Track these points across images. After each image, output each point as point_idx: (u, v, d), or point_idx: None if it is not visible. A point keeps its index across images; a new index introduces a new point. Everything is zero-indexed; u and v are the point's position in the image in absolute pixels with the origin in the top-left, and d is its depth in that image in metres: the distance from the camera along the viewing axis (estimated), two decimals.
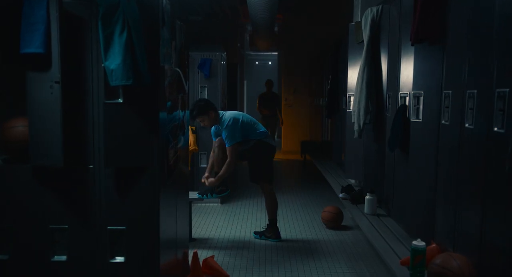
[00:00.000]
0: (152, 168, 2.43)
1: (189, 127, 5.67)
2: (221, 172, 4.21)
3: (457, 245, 2.50)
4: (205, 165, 5.90)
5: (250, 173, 4.44)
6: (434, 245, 2.67)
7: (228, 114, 4.22)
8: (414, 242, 2.49)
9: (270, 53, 15.53)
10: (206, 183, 4.32)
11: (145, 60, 2.31)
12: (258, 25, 11.85)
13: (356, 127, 4.22)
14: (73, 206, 2.41)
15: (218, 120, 4.22)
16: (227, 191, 4.38)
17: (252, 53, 16.01)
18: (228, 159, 4.17)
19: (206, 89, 5.81)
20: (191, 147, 5.71)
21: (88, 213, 2.41)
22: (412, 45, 2.89)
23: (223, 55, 6.10)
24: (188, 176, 3.86)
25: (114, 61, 2.26)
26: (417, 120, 3.02)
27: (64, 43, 2.25)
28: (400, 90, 3.41)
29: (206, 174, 4.36)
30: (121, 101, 2.34)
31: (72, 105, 2.34)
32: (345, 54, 6.00)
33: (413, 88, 3.05)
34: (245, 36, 14.31)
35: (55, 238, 2.40)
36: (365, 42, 4.14)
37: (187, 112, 3.39)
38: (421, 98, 2.95)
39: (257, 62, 18.04)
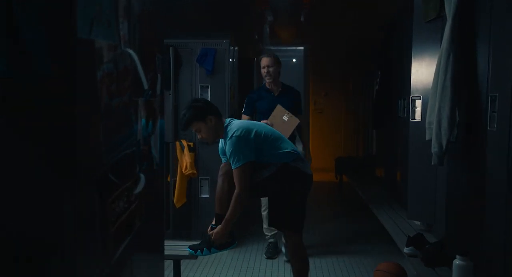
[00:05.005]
0: (64, 251, 1.31)
1: (185, 143, 4.67)
2: (228, 212, 3.11)
3: None
4: (207, 196, 4.84)
5: (269, 212, 3.32)
6: None
7: (237, 122, 3.19)
8: None
9: (294, 47, 14.43)
10: (212, 236, 3.19)
11: (35, 22, 1.19)
12: (280, 11, 10.81)
13: (435, 147, 3.04)
14: None
15: (221, 131, 3.16)
16: (232, 244, 3.25)
17: (272, 48, 14.93)
18: (236, 191, 3.06)
19: (209, 90, 4.85)
20: (188, 171, 4.68)
21: None
22: None
23: (234, 48, 5.07)
24: (163, 227, 2.69)
25: None
26: None
27: None
28: None
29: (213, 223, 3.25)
30: None
31: None
32: (401, 40, 4.95)
33: None
34: (265, 27, 13.25)
35: None
36: (449, 17, 2.98)
37: (162, 123, 2.26)
38: None
39: (279, 62, 16.98)
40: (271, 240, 4.50)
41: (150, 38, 2.08)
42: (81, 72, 1.37)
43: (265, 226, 4.47)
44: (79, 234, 1.36)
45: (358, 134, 8.48)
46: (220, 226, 3.14)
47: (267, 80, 4.26)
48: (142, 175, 1.85)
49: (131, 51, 1.70)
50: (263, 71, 4.23)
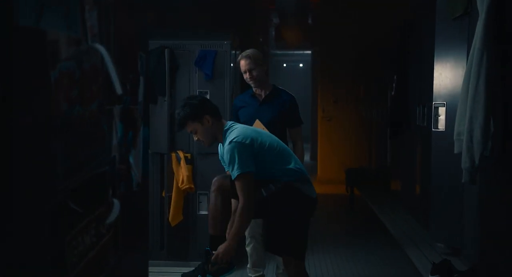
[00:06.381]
0: None
1: (182, 155, 4.42)
2: (235, 226, 2.83)
3: None
4: (205, 212, 4.51)
5: (266, 238, 3.08)
6: None
7: (240, 128, 2.93)
8: None
9: (301, 51, 14.32)
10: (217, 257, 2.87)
11: None
12: (286, 13, 10.60)
13: (466, 163, 2.74)
14: None
15: (220, 134, 2.92)
16: (230, 269, 2.97)
17: (278, 52, 14.78)
18: (240, 203, 2.80)
19: (208, 96, 4.55)
20: (184, 185, 4.41)
21: None
22: None
23: (236, 52, 4.81)
24: (147, 260, 2.37)
25: None
26: None
27: None
28: None
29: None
30: None
31: None
32: (420, 41, 4.72)
33: None
34: (270, 30, 13.08)
35: None
36: (482, 12, 2.72)
37: (146, 133, 1.97)
38: None
39: (285, 64, 16.93)
40: None
41: (130, 32, 1.79)
42: (25, 72, 1.08)
43: (249, 265, 3.72)
44: None
45: (371, 143, 8.19)
46: (225, 243, 2.84)
47: (252, 86, 3.61)
48: (115, 201, 1.55)
49: (100, 47, 1.41)
50: (245, 76, 3.57)
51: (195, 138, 2.99)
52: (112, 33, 1.59)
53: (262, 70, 3.56)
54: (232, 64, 4.65)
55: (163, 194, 4.46)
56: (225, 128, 2.91)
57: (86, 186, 1.40)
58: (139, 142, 1.88)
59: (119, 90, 1.43)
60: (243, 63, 3.54)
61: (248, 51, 3.59)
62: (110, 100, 1.57)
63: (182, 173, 4.38)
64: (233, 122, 3.03)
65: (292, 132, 3.55)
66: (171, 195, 4.37)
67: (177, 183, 4.37)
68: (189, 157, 4.45)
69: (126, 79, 1.69)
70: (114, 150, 1.62)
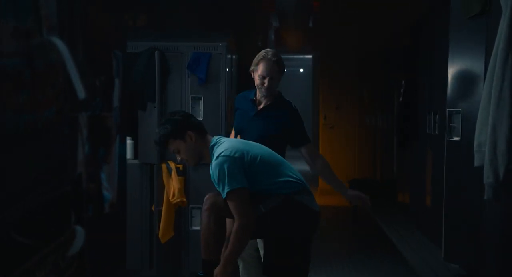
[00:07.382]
0: None
1: (173, 166, 4.33)
2: (228, 249, 2.64)
3: None
4: (198, 228, 4.34)
5: (264, 259, 2.82)
6: None
7: (227, 141, 2.75)
8: None
9: (302, 56, 14.19)
10: None
11: None
12: (286, 16, 10.46)
13: (489, 177, 2.54)
14: None
15: (205, 152, 2.75)
16: None
17: None
18: (236, 222, 2.61)
19: (202, 102, 4.47)
20: (176, 199, 4.34)
21: None
22: None
23: (232, 57, 4.70)
24: None
25: None
26: None
27: None
28: None
29: None
30: None
31: None
32: (431, 43, 4.67)
33: None
34: (270, 34, 12.97)
35: None
36: (506, 9, 2.58)
37: (123, 147, 1.74)
38: None
39: (285, 69, 16.84)
40: None
41: (103, 26, 1.56)
42: None
43: None
44: None
45: (375, 152, 8.02)
46: (220, 267, 2.63)
47: (262, 94, 3.10)
48: (79, 228, 1.31)
49: (57, 41, 1.17)
50: (259, 81, 3.05)
51: (179, 158, 2.80)
52: (78, 25, 1.36)
53: (279, 79, 3.12)
54: (227, 69, 4.48)
55: (153, 208, 4.33)
56: (211, 144, 2.72)
57: (39, 212, 1.16)
58: (114, 156, 1.65)
59: (81, 93, 1.20)
60: (268, 67, 3.01)
61: (277, 54, 3.08)
62: (75, 106, 1.33)
63: (173, 185, 4.28)
64: (219, 136, 2.82)
65: (305, 151, 3.07)
66: (162, 209, 4.26)
67: (167, 196, 4.27)
68: (180, 168, 4.33)
69: (96, 81, 1.46)
70: (80, 166, 1.38)
